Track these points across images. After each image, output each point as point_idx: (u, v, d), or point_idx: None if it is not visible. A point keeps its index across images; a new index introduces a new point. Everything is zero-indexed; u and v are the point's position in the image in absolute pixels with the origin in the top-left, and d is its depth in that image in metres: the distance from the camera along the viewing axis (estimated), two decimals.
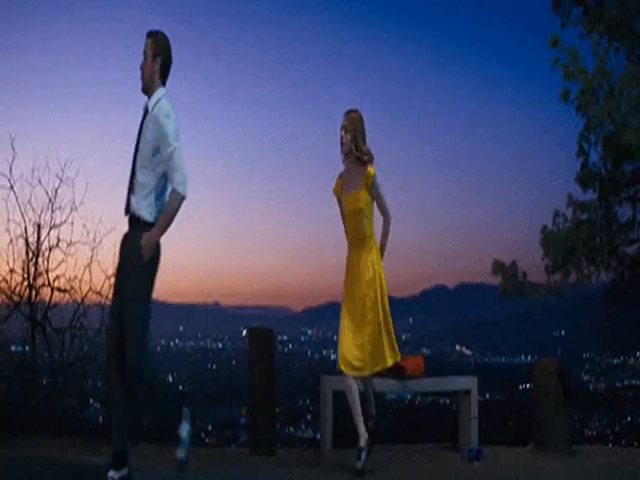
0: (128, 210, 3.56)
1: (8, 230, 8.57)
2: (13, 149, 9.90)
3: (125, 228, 3.80)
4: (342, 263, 4.59)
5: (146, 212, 3.48)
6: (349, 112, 4.25)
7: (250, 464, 4.68)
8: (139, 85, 3.68)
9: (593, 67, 7.20)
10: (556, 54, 7.42)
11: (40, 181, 9.18)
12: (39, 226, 9.49)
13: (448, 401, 52.78)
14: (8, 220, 8.34)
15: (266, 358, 5.10)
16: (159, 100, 3.57)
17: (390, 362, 4.30)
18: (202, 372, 49.58)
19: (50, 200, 9.13)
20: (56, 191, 9.28)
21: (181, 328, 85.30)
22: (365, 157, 4.19)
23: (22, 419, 6.73)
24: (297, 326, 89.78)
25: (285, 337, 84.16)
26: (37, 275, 9.34)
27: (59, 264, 9.26)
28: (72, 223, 9.29)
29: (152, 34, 3.64)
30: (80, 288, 9.51)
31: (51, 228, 9.05)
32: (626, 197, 8.74)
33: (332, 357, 78.86)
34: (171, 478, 3.64)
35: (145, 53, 3.63)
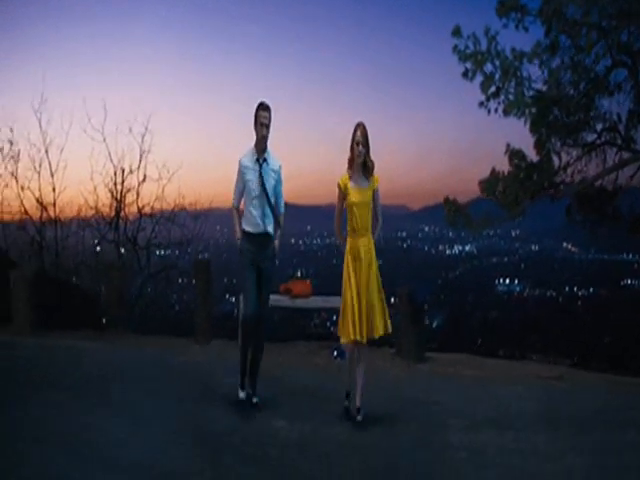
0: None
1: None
2: (105, 111, 13.97)
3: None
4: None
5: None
6: (361, 126, 4.96)
7: None
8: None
9: (485, 49, 8.81)
10: (456, 41, 9.09)
11: (131, 130, 13.10)
12: (123, 170, 13.27)
13: (554, 294, 53.21)
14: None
15: None
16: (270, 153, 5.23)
17: (381, 332, 5.06)
18: (327, 267, 52.66)
19: (139, 146, 13.16)
20: (142, 138, 13.19)
21: (309, 227, 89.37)
22: (371, 165, 5.02)
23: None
24: (415, 223, 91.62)
25: (404, 234, 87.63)
26: (124, 203, 13.29)
27: (138, 197, 13.20)
28: (145, 166, 13.24)
29: (269, 108, 5.07)
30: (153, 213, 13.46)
31: (136, 168, 13.01)
32: (564, 144, 10.21)
33: (447, 252, 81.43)
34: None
35: (269, 124, 5.09)
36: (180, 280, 15.38)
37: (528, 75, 8.86)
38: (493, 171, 10.36)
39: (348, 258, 5.00)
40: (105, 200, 13.55)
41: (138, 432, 4.93)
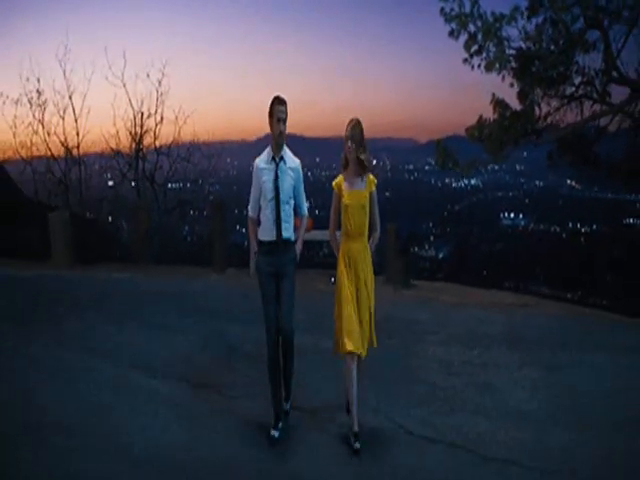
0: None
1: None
2: (124, 59, 15.16)
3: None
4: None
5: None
6: (353, 121, 4.60)
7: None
8: None
9: (469, 11, 9.82)
10: (443, 4, 10.12)
11: (149, 75, 14.26)
12: (142, 114, 14.39)
13: (558, 229, 53.68)
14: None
15: None
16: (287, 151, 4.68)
17: (375, 344, 4.73)
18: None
19: (157, 90, 14.29)
20: (159, 83, 14.33)
21: (317, 159, 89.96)
22: (366, 164, 4.65)
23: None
24: (421, 157, 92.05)
25: (411, 166, 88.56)
26: (143, 144, 14.45)
27: (155, 138, 14.34)
28: (163, 110, 14.28)
29: (285, 101, 4.54)
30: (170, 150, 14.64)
31: (154, 112, 14.10)
32: (545, 94, 11.13)
33: (453, 185, 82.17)
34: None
35: (286, 119, 4.58)
36: (192, 212, 16.64)
37: (507, 35, 9.83)
38: (480, 118, 11.28)
39: (341, 265, 4.69)
40: (125, 142, 14.72)
41: (171, 343, 6.29)
